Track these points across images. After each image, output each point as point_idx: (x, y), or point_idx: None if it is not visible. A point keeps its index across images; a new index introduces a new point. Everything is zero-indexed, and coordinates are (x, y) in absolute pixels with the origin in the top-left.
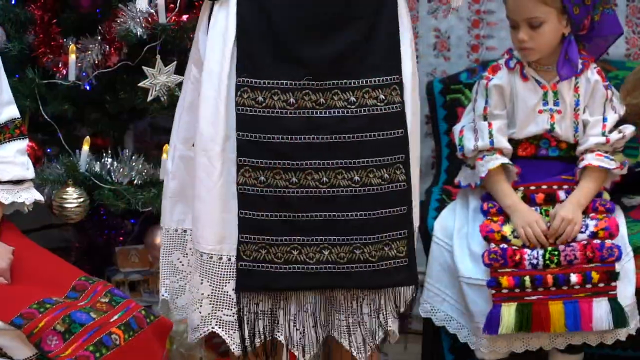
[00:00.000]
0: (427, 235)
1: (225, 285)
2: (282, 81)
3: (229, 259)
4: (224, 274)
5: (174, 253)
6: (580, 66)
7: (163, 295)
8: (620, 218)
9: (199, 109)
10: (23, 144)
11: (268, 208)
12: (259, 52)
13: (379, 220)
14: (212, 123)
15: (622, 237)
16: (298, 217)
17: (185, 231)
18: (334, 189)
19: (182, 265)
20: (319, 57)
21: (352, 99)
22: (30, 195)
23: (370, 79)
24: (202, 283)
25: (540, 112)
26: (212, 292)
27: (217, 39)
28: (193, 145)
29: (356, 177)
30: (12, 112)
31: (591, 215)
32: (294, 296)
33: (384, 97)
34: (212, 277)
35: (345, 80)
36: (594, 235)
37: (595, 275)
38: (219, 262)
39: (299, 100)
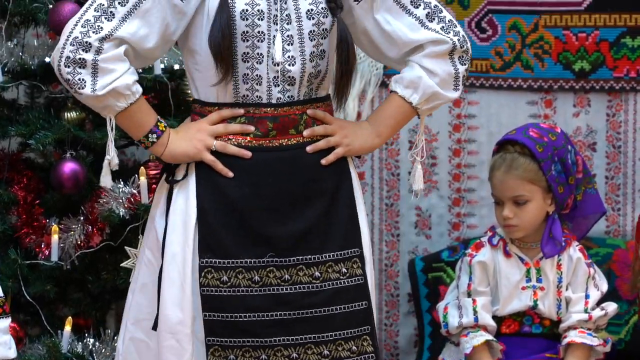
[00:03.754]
0: None
1: None
2: (246, 260)
3: None
4: None
5: None
6: (562, 244)
7: None
8: None
9: (163, 292)
10: (6, 322)
11: None
12: (221, 233)
13: None
14: (178, 306)
15: None
16: None
17: None
18: None
19: None
20: (282, 235)
21: (317, 274)
22: None
23: (332, 253)
24: None
25: (523, 288)
26: None
27: (178, 221)
28: (153, 328)
29: (325, 351)
30: None
31: None
32: None
33: (345, 271)
34: None
35: (309, 256)
36: None
37: None
38: None
39: (264, 277)
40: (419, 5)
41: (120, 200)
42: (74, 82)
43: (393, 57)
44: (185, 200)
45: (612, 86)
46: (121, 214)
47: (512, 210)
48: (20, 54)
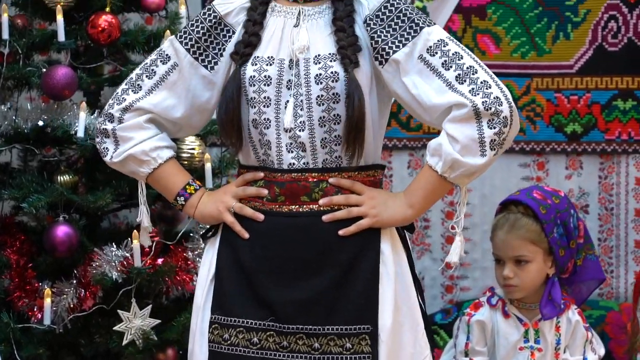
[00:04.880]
0: None
1: None
2: (247, 320)
3: None
4: None
5: None
6: (561, 306)
7: None
8: None
9: (189, 343)
10: None
11: None
12: (230, 291)
13: None
14: (197, 357)
15: None
16: None
17: None
18: None
19: None
20: (285, 301)
21: (317, 345)
22: None
23: (338, 327)
24: None
25: (521, 349)
26: None
27: (204, 275)
28: None
29: None
30: None
31: None
32: None
33: (350, 346)
34: None
35: (311, 326)
36: None
37: None
38: None
39: (263, 341)
40: (450, 67)
41: (113, 264)
42: (100, 151)
43: (429, 120)
44: (211, 257)
45: (604, 148)
46: (114, 277)
47: (512, 270)
48: (14, 117)
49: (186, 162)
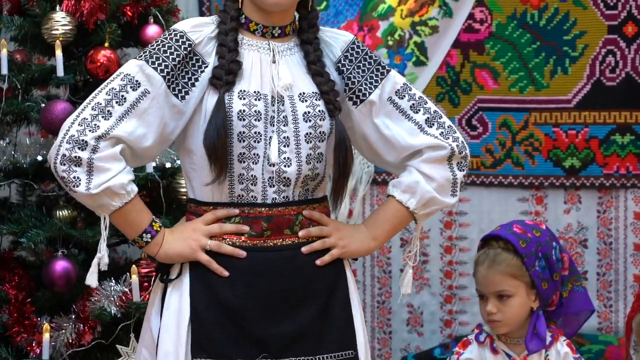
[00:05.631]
0: None
1: None
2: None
3: None
4: None
5: None
6: (549, 339)
7: None
8: None
9: None
10: None
11: None
12: (214, 332)
13: None
14: None
15: None
16: None
17: None
18: None
19: None
20: (277, 335)
21: None
22: None
23: (327, 354)
24: None
25: None
26: None
27: (172, 320)
28: None
29: None
30: None
31: None
32: None
33: None
34: None
35: (303, 357)
36: None
37: None
38: None
39: None
40: (419, 110)
41: (112, 299)
42: (68, 180)
43: (392, 161)
44: (179, 299)
45: (603, 183)
46: (113, 312)
47: (495, 306)
48: (13, 152)
49: (184, 197)
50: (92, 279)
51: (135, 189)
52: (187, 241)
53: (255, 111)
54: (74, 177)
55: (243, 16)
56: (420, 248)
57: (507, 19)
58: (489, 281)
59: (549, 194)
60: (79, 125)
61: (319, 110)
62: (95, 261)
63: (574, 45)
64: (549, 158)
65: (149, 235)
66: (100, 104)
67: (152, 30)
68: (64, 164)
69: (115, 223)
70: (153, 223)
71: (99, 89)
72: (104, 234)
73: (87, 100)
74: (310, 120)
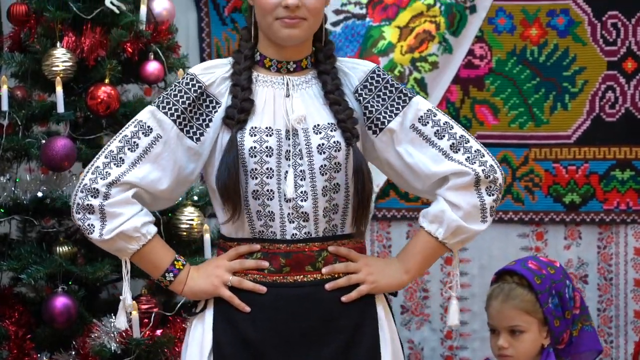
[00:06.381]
0: None
1: None
2: None
3: None
4: None
5: None
6: None
7: None
8: None
9: None
10: None
11: None
12: None
13: None
14: None
15: None
16: None
17: None
18: None
19: None
20: None
21: None
22: None
23: None
24: None
25: None
26: None
27: (195, 352)
28: None
29: None
30: None
31: None
32: None
33: None
34: None
35: None
36: None
37: None
38: None
39: None
40: (443, 136)
41: (112, 335)
42: (84, 228)
43: (420, 189)
44: (202, 333)
45: (603, 219)
46: (113, 348)
47: (507, 340)
48: (13, 188)
49: (185, 233)
50: (121, 322)
51: (153, 230)
52: (210, 278)
53: (267, 147)
54: (89, 225)
55: (258, 53)
56: (420, 283)
57: (507, 54)
58: (503, 316)
59: (549, 230)
60: (91, 174)
61: (334, 142)
62: (121, 305)
63: (574, 81)
64: (549, 194)
65: (171, 275)
66: (113, 151)
67: (152, 66)
68: (79, 212)
69: (138, 264)
70: (175, 262)
71: (114, 137)
72: (126, 277)
73: (102, 149)
74: (324, 152)
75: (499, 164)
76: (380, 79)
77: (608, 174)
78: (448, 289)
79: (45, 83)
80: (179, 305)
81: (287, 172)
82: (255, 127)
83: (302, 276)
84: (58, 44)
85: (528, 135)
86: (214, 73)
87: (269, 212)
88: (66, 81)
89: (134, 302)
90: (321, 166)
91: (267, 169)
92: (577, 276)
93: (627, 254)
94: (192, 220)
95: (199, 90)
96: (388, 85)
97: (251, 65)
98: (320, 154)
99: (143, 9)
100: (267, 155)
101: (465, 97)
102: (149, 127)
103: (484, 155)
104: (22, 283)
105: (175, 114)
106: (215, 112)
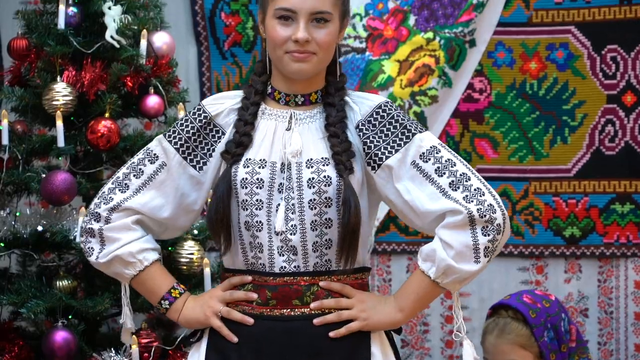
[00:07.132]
0: None
1: None
2: None
3: None
4: None
5: None
6: None
7: None
8: None
9: None
10: None
11: None
12: None
13: None
14: None
15: None
16: None
17: None
18: None
19: None
20: None
21: None
22: None
23: None
24: None
25: None
26: None
27: None
28: None
29: None
30: None
31: None
32: None
33: None
34: None
35: None
36: None
37: None
38: None
39: None
40: (444, 173)
41: None
42: (85, 250)
43: (420, 225)
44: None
45: (603, 252)
46: None
47: None
48: (13, 222)
49: (185, 267)
50: (126, 338)
51: (152, 257)
52: (203, 307)
53: (258, 179)
54: (89, 248)
55: (270, 86)
56: (420, 318)
57: (506, 88)
58: (498, 350)
59: (549, 263)
60: (97, 198)
61: (324, 176)
62: (123, 329)
63: (573, 114)
64: (549, 227)
65: (167, 302)
66: (119, 177)
67: (152, 100)
68: (82, 235)
69: (137, 289)
70: (172, 290)
71: (125, 164)
72: (125, 300)
73: (112, 177)
74: (314, 187)
75: (500, 203)
76: (385, 114)
77: (608, 208)
78: (457, 333)
79: (45, 117)
80: (179, 340)
81: (278, 204)
82: (250, 159)
83: (289, 310)
84: (58, 78)
85: (528, 168)
86: (223, 104)
87: (258, 243)
88: (66, 115)
89: (134, 336)
90: (310, 200)
91: (257, 200)
92: (578, 310)
93: (627, 288)
94: (192, 254)
95: (204, 120)
96: (392, 120)
97: (260, 99)
98: (310, 187)
99: (143, 43)
100: (257, 187)
101: (465, 131)
102: (155, 154)
103: (483, 194)
104: (22, 317)
105: (179, 142)
106: (219, 142)
